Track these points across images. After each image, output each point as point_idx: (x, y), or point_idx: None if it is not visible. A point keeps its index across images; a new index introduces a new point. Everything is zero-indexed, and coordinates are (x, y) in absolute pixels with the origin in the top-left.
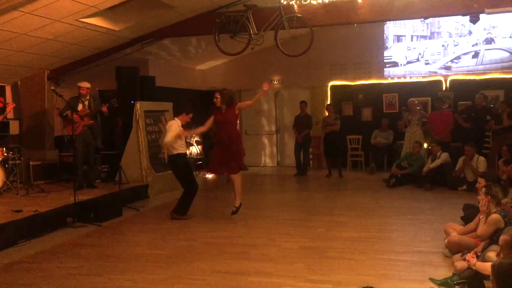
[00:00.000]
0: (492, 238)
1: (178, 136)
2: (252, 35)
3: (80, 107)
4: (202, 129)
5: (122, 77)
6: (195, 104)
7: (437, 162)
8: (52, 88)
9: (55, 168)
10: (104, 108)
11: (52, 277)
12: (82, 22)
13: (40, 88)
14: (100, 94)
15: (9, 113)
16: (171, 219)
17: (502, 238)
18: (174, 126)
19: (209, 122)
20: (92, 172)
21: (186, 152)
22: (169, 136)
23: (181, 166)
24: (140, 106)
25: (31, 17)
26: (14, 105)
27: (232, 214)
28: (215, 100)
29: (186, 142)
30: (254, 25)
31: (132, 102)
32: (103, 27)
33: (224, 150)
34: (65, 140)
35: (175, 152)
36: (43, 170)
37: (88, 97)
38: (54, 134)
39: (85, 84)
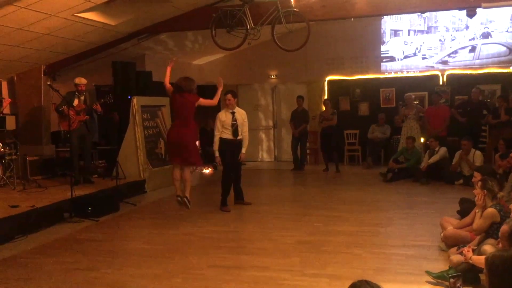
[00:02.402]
0: (488, 232)
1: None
2: (249, 30)
3: (76, 102)
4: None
5: (119, 72)
6: None
7: (436, 157)
8: (49, 83)
9: (52, 163)
10: (98, 107)
11: (49, 272)
12: (78, 16)
13: (36, 83)
14: (96, 89)
15: (6, 108)
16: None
17: (502, 228)
18: (218, 118)
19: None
20: (89, 167)
21: (227, 138)
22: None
23: (220, 150)
24: (136, 101)
25: (26, 11)
26: (11, 100)
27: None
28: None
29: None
30: (251, 20)
31: (129, 97)
32: (99, 21)
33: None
34: (61, 135)
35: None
36: (40, 165)
37: (84, 92)
38: (51, 129)
39: (83, 81)
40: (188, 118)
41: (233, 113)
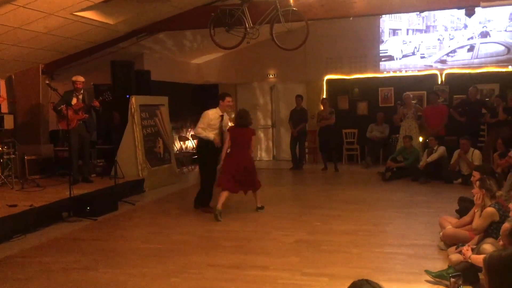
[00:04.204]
0: (487, 231)
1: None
2: (248, 29)
3: (74, 101)
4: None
5: (117, 71)
6: (190, 98)
7: (434, 156)
8: (47, 82)
9: (50, 163)
10: (96, 103)
11: (47, 272)
12: (77, 15)
13: (34, 82)
14: (95, 88)
15: (3, 107)
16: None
17: (503, 226)
18: (207, 116)
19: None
20: (87, 167)
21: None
22: (198, 128)
23: (205, 152)
24: (135, 100)
25: (25, 10)
26: (5, 99)
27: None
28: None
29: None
30: (249, 19)
31: (127, 96)
32: (97, 20)
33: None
34: (60, 135)
35: (205, 137)
36: (38, 165)
37: (82, 91)
38: (49, 128)
39: (80, 78)
40: (245, 148)
41: (222, 116)
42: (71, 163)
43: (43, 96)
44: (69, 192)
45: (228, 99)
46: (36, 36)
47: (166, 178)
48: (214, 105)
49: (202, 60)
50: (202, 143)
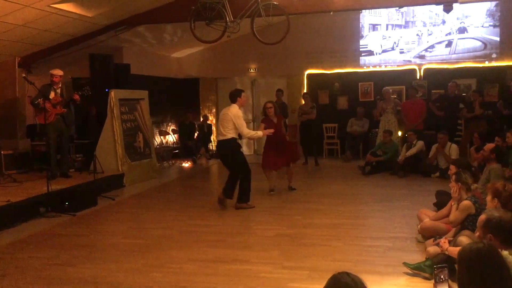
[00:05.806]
0: (464, 224)
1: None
2: (228, 23)
3: (52, 95)
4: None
5: (96, 64)
6: (171, 92)
7: (413, 150)
8: (23, 75)
9: (27, 158)
10: (76, 96)
11: (25, 268)
12: (54, 7)
13: (10, 76)
14: (73, 82)
15: None
16: (236, 209)
17: (480, 217)
18: (240, 113)
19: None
20: (66, 161)
21: (237, 137)
22: (244, 129)
23: (233, 150)
24: (114, 94)
25: (0, 2)
26: None
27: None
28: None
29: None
30: (230, 13)
31: (107, 90)
32: (75, 13)
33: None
34: (37, 129)
35: (229, 136)
36: (15, 160)
37: (60, 85)
38: (26, 122)
39: (58, 72)
40: None
41: None
42: (49, 157)
43: (20, 89)
44: (47, 187)
45: (244, 94)
46: (13, 29)
47: (146, 173)
48: (195, 99)
49: (183, 54)
50: (235, 142)
